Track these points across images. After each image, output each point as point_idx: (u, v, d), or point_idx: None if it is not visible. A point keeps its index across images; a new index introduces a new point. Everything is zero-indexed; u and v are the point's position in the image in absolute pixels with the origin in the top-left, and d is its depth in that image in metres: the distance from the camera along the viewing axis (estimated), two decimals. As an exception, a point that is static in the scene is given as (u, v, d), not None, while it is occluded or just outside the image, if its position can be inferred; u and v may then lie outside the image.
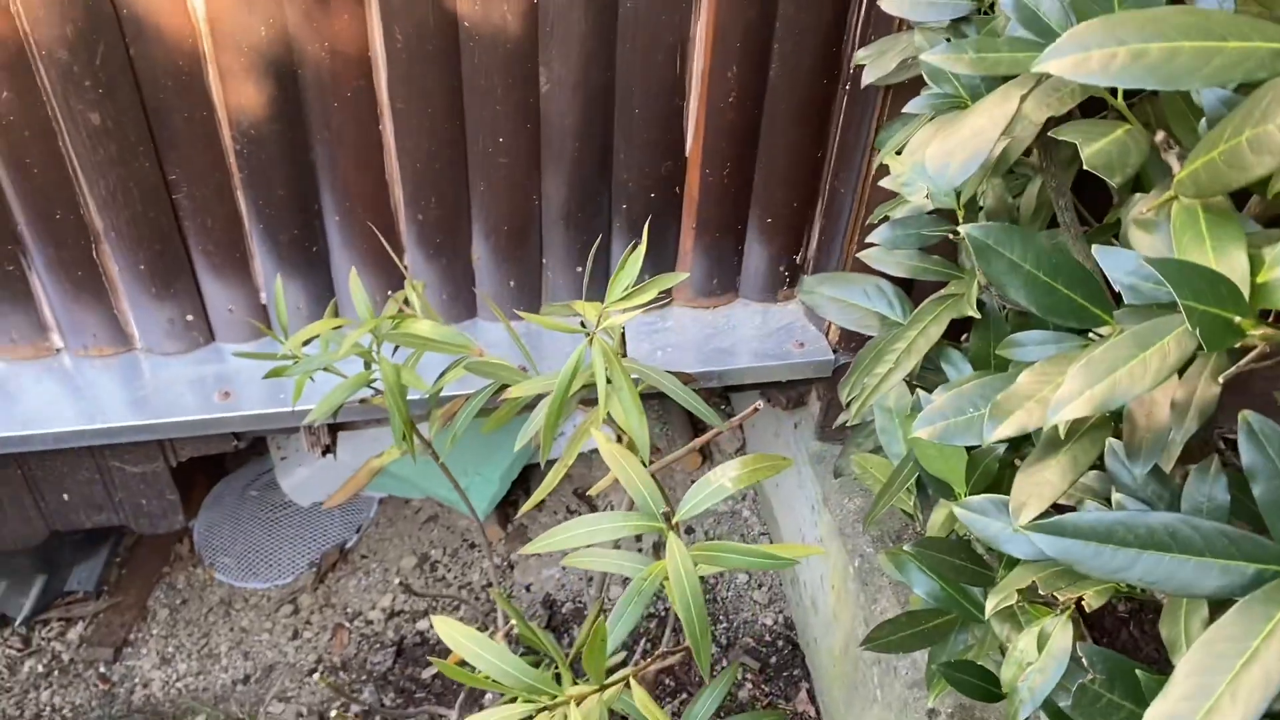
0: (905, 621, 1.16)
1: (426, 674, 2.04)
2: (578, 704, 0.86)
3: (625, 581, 2.19)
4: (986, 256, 0.72)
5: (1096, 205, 1.18)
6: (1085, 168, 0.68)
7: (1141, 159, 0.68)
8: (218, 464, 2.47)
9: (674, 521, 0.91)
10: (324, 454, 1.68)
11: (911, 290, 1.39)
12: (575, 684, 0.92)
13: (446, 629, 0.87)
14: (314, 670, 2.06)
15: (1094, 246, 0.65)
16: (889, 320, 1.35)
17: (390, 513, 2.40)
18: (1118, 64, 0.51)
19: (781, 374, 1.67)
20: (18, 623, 2.13)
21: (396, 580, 2.24)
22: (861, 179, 1.49)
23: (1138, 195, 0.99)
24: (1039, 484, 0.85)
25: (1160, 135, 0.68)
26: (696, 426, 2.48)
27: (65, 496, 1.67)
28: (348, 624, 2.15)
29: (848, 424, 1.39)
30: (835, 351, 1.68)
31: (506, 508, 2.37)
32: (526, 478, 2.40)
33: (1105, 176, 0.67)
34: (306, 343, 1.29)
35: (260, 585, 2.23)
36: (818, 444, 1.85)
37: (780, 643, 2.05)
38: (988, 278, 0.73)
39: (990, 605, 0.88)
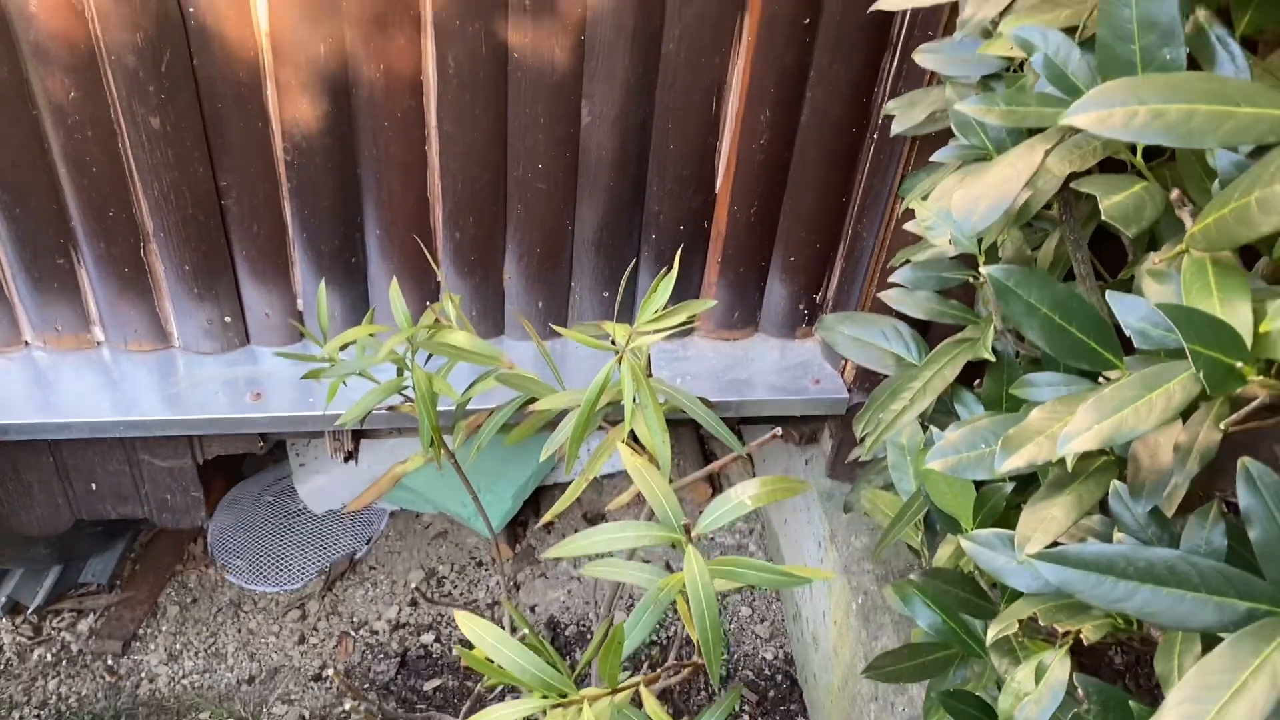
0: (907, 653, 1.20)
1: (428, 686, 2.06)
2: (590, 704, 0.90)
3: (630, 607, 2.21)
4: (1006, 297, 0.77)
5: (1109, 262, 1.23)
6: (1104, 218, 0.72)
7: (1157, 214, 0.72)
8: (234, 468, 2.52)
9: (693, 535, 0.95)
10: (346, 459, 1.73)
11: (927, 335, 1.43)
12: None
13: (469, 623, 0.91)
14: (318, 676, 2.09)
15: (1107, 292, 0.70)
16: (905, 361, 1.39)
17: (400, 526, 2.43)
18: (1138, 121, 0.56)
19: (797, 408, 1.71)
20: (30, 611, 2.17)
21: (404, 593, 2.27)
22: (884, 225, 1.54)
23: (1151, 254, 1.03)
24: (1044, 519, 0.89)
25: (1175, 193, 0.73)
26: (706, 457, 2.52)
27: (93, 486, 1.71)
28: (353, 633, 2.18)
29: (860, 459, 1.43)
30: (850, 390, 1.72)
31: (515, 528, 2.40)
32: (536, 499, 2.44)
33: (1122, 227, 0.71)
34: (343, 348, 1.34)
35: (270, 589, 2.27)
36: (828, 481, 1.89)
37: (779, 677, 2.07)
38: (1007, 318, 0.77)
39: (992, 633, 0.92)
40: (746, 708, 2.01)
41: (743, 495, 0.95)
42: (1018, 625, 0.90)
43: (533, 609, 2.24)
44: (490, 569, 2.34)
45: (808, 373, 1.74)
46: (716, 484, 2.50)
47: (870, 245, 1.58)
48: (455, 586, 2.29)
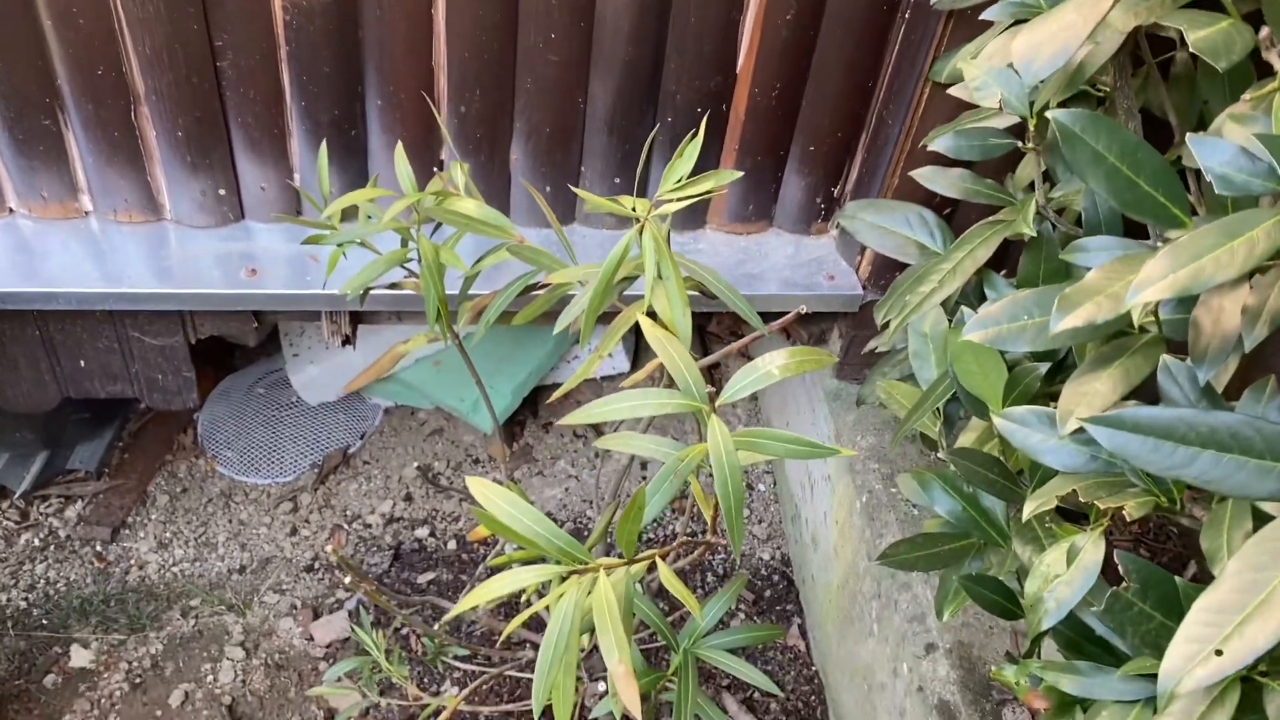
0: (922, 542, 1.17)
1: (422, 579, 2.05)
2: (607, 573, 0.86)
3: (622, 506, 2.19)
4: (1072, 144, 0.71)
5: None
6: (1191, 51, 0.67)
7: (1246, 50, 0.67)
8: (225, 359, 2.47)
9: (716, 404, 0.91)
10: (344, 344, 1.68)
11: (951, 224, 1.38)
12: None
13: (480, 488, 0.87)
14: (310, 567, 2.06)
15: (1189, 136, 0.65)
16: (929, 250, 1.35)
17: (395, 423, 2.39)
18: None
19: (810, 304, 1.66)
20: (16, 495, 2.13)
21: (398, 488, 2.24)
22: (911, 111, 1.47)
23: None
24: (1088, 393, 0.85)
25: (1265, 32, 0.67)
26: (706, 350, 2.48)
27: (82, 363, 1.66)
28: (346, 526, 2.16)
29: (877, 351, 1.39)
30: (864, 288, 1.67)
31: (513, 427, 2.37)
32: (534, 399, 2.40)
33: (1210, 60, 0.66)
34: (343, 219, 1.28)
35: (261, 481, 2.23)
36: (834, 382, 1.85)
37: (775, 578, 2.06)
38: (1070, 166, 0.72)
39: (1028, 509, 0.89)
40: (743, 607, 2.00)
41: (770, 365, 0.91)
42: (1055, 501, 0.86)
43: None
44: (487, 466, 2.31)
45: (822, 269, 1.69)
46: (713, 379, 2.46)
47: (895, 134, 1.52)
48: (451, 483, 2.26)
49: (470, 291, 1.38)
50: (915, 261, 1.35)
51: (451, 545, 2.12)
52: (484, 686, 1.80)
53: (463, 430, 2.37)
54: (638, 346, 2.46)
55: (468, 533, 2.14)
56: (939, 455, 1.20)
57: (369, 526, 2.16)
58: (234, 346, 2.45)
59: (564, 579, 0.87)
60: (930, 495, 1.12)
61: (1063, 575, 0.89)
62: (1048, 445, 0.88)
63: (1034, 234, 1.04)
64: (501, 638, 0.98)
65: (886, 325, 1.25)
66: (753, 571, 2.07)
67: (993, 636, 1.48)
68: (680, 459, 0.92)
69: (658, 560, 0.93)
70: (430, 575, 2.05)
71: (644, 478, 2.27)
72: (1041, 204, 1.04)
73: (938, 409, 1.20)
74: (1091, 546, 0.88)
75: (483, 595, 0.85)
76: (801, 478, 2.01)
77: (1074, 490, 0.86)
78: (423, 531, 2.15)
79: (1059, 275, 1.05)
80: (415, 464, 2.29)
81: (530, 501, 1.20)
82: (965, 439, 1.15)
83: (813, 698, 1.86)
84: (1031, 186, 1.21)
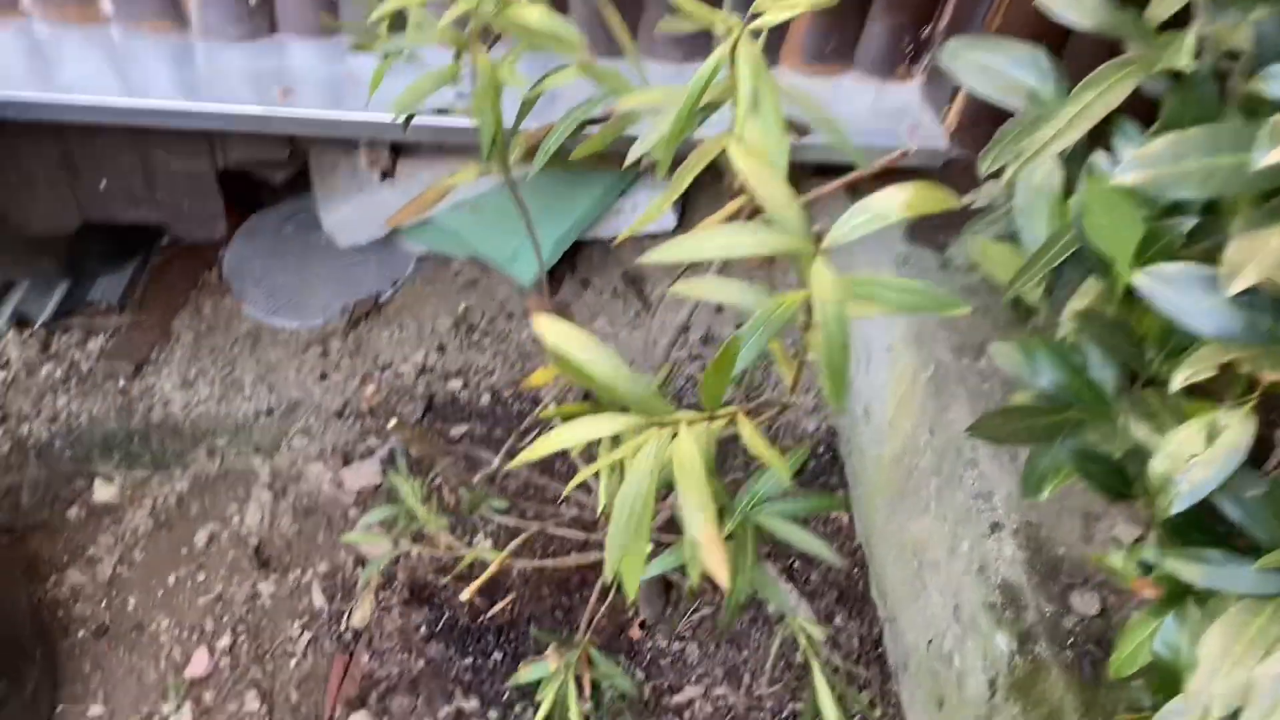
0: (1017, 414, 1.07)
1: (455, 431, 1.98)
2: (689, 427, 0.77)
3: (670, 366, 2.10)
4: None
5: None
6: None
7: None
8: (253, 196, 2.35)
9: (823, 246, 0.80)
10: (383, 177, 1.56)
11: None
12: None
13: (549, 325, 0.77)
14: (340, 412, 2.00)
15: None
16: (1038, 96, 1.20)
17: (429, 273, 2.29)
18: None
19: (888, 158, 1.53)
20: (37, 324, 2.06)
21: (431, 338, 2.15)
22: (1025, -61, 1.31)
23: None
24: (1261, 249, 0.73)
25: None
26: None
27: (103, 184, 1.55)
28: (377, 373, 2.08)
29: (974, 206, 1.27)
30: (949, 142, 1.53)
31: (550, 282, 2.26)
32: (573, 256, 2.29)
33: None
34: (391, 29, 1.15)
35: (289, 324, 2.15)
36: (905, 247, 1.73)
37: (820, 448, 1.98)
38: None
39: (1179, 378, 0.78)
40: (786, 478, 1.93)
41: (889, 203, 0.79)
42: (1214, 369, 0.76)
43: (565, 364, 2.13)
44: (523, 321, 2.21)
45: (904, 119, 1.55)
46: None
47: (1002, -35, 1.36)
48: (485, 335, 2.17)
49: (521, 126, 1.26)
50: (1021, 109, 1.21)
51: (485, 399, 2.04)
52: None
53: (498, 282, 2.27)
54: (684, 205, 2.33)
55: (502, 387, 2.07)
56: (1041, 321, 1.09)
57: (400, 376, 2.08)
58: (261, 185, 2.33)
59: (639, 431, 0.78)
60: (1034, 364, 1.02)
61: (1200, 455, 0.79)
62: (1201, 307, 0.77)
63: (1192, 69, 0.90)
64: (565, 494, 0.90)
65: (992, 177, 1.12)
66: (796, 440, 2.00)
67: (1062, 519, 1.40)
68: (775, 307, 0.81)
69: (740, 418, 0.83)
70: (463, 428, 1.98)
71: (686, 341, 2.17)
72: (1201, 35, 0.90)
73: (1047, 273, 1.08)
74: (1238, 424, 0.78)
75: (556, 442, 0.76)
76: (857, 347, 1.91)
77: (1230, 360, 0.75)
78: (455, 384, 2.07)
79: (1209, 119, 0.92)
80: (454, 312, 2.20)
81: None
82: (1076, 304, 1.04)
83: (855, 570, 1.81)
84: (1165, 26, 1.06)
